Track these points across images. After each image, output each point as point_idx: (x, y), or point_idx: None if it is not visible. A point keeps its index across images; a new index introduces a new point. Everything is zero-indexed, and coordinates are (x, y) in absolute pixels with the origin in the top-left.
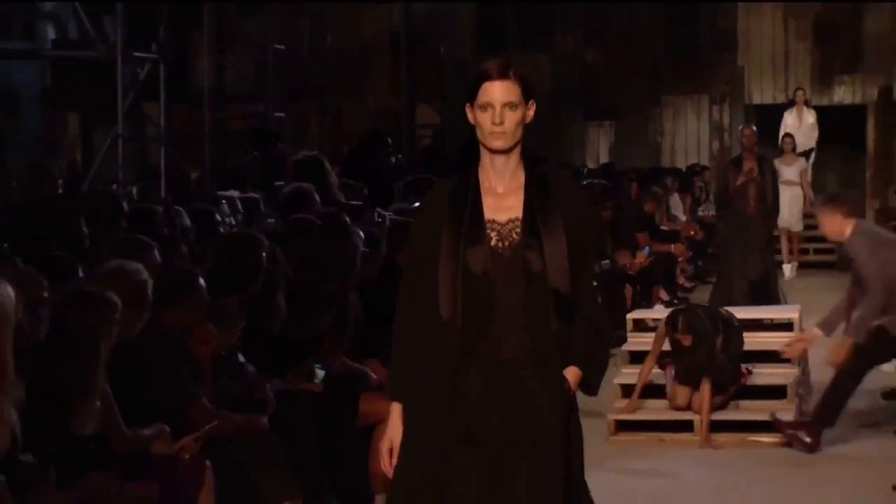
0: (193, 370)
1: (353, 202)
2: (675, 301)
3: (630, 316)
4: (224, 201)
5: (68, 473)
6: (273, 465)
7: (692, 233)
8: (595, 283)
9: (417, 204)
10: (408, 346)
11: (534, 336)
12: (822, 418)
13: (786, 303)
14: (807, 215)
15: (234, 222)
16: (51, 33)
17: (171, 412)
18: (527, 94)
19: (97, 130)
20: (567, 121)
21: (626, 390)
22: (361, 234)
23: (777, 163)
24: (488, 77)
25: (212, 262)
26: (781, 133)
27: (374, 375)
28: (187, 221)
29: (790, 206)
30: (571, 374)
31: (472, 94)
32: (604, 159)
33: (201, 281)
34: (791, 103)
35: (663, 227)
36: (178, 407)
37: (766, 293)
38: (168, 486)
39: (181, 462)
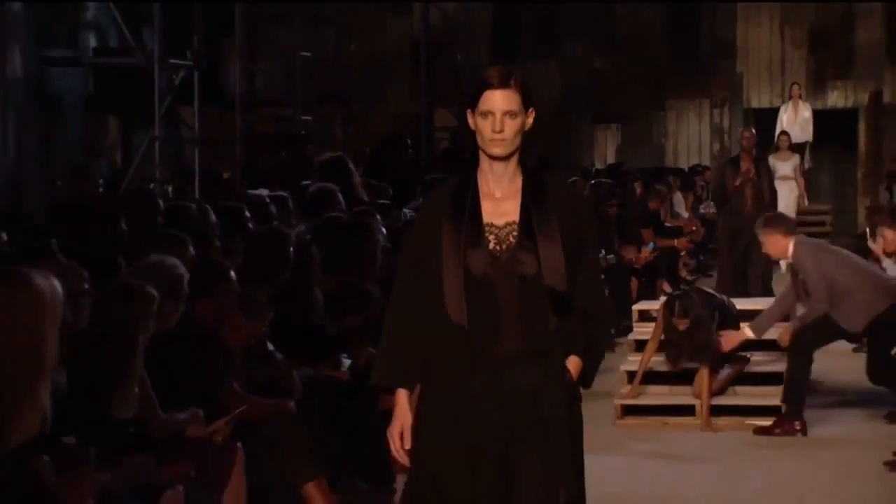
0: (225, 358)
1: (381, 201)
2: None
3: (635, 307)
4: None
5: (108, 454)
6: (300, 446)
7: (694, 228)
8: (602, 277)
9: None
10: (401, 340)
11: (533, 335)
12: (792, 401)
13: None
14: (799, 213)
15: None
16: (92, 42)
17: (204, 397)
18: (527, 103)
19: (135, 133)
20: (576, 124)
21: (632, 376)
22: (384, 230)
23: (773, 159)
24: (490, 85)
25: (242, 257)
26: (778, 130)
27: None
28: (213, 217)
29: (787, 201)
30: (573, 363)
31: (473, 101)
32: (611, 160)
33: (232, 274)
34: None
35: (667, 224)
36: (210, 392)
37: (765, 286)
38: (201, 466)
39: (214, 444)
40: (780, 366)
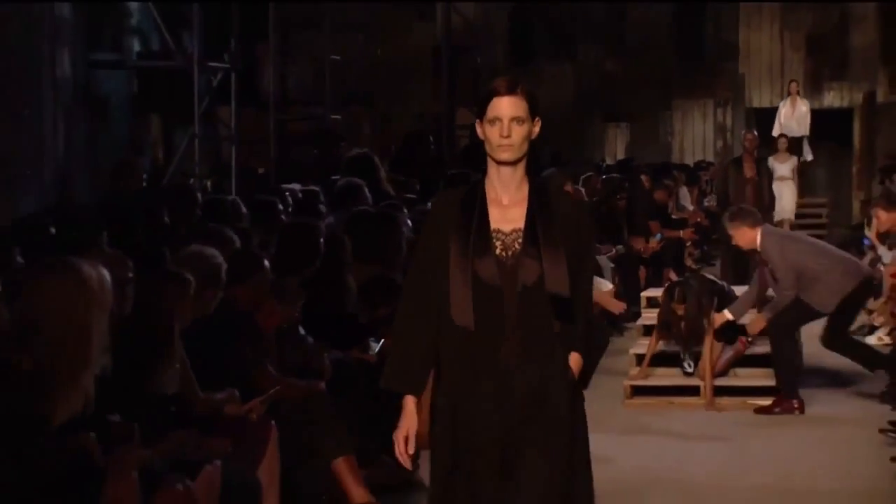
0: (260, 341)
1: (408, 195)
2: None
3: (643, 294)
4: (287, 193)
5: (151, 431)
6: (330, 424)
7: (699, 220)
8: (612, 266)
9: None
10: (409, 344)
11: (537, 339)
12: (786, 382)
13: None
14: (798, 206)
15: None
16: (136, 46)
17: (240, 378)
18: (533, 111)
19: (176, 131)
20: (588, 122)
21: (640, 359)
22: (409, 223)
23: (772, 160)
24: (497, 93)
25: (275, 247)
26: (777, 124)
27: None
28: (244, 210)
29: (786, 200)
30: (574, 360)
31: (481, 110)
32: (621, 156)
33: (266, 263)
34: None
35: (673, 216)
36: (246, 373)
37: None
38: (238, 443)
39: (249, 421)
40: None
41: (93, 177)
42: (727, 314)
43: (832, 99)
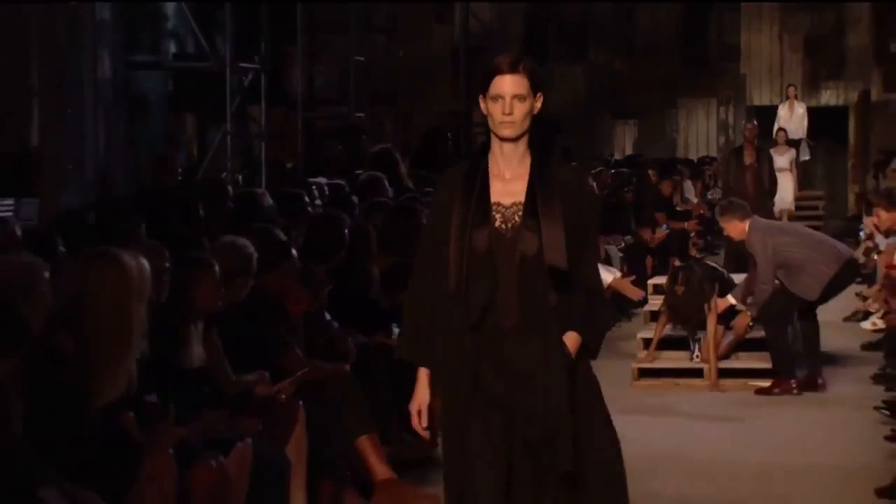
0: (288, 326)
1: (427, 188)
2: None
3: (650, 282)
4: (313, 186)
5: (186, 411)
6: (354, 404)
7: (702, 211)
8: (621, 255)
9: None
10: (420, 314)
11: (532, 309)
12: (782, 367)
13: None
14: (797, 198)
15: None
16: (172, 48)
17: (270, 361)
18: (535, 87)
19: (210, 129)
20: (598, 120)
21: (647, 343)
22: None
23: (771, 152)
24: (500, 71)
25: (303, 237)
26: (776, 125)
27: None
28: (270, 202)
29: (786, 190)
30: (570, 338)
31: (484, 87)
32: (629, 152)
33: (294, 251)
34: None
35: (678, 208)
36: (275, 356)
37: None
38: (268, 422)
39: (278, 402)
40: None
41: (131, 172)
42: (730, 299)
43: (829, 97)
